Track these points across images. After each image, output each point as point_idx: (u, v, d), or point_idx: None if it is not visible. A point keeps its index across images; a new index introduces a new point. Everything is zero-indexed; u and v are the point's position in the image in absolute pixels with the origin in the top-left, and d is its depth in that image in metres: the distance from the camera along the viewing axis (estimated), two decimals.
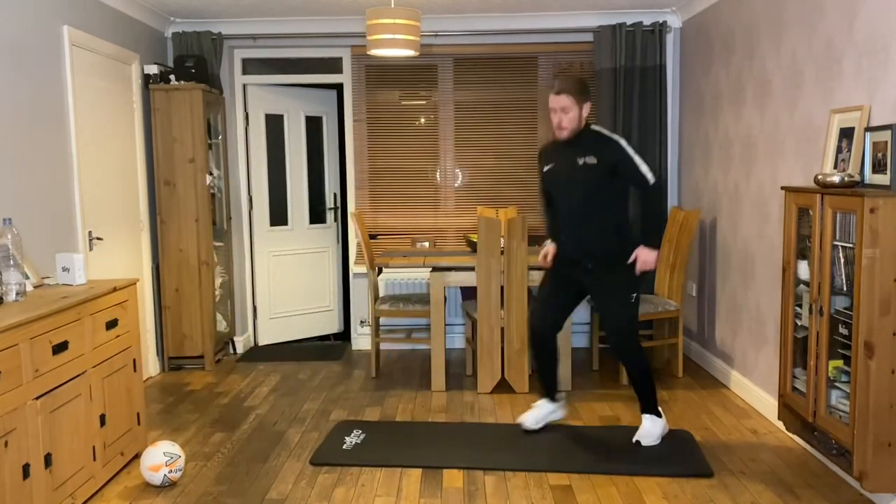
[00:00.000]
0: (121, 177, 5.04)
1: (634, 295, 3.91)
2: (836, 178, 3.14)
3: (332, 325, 6.70)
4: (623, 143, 3.83)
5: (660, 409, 4.02)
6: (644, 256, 3.82)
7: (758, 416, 4.31)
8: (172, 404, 4.73)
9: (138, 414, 3.81)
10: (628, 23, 5.69)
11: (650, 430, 3.95)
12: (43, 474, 2.92)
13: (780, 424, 3.97)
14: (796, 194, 3.44)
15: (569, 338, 4.81)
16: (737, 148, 4.74)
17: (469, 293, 5.33)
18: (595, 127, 3.94)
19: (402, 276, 6.09)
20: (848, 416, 3.06)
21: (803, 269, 3.44)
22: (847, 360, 3.09)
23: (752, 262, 4.52)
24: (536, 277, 4.80)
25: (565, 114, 3.79)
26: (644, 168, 3.79)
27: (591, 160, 3.80)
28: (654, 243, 3.87)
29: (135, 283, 3.78)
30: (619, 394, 4.78)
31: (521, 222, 4.68)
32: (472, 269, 4.83)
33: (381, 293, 6.02)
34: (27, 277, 3.38)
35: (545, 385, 4.21)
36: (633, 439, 3.95)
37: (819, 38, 3.70)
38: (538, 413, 4.17)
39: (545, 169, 4.02)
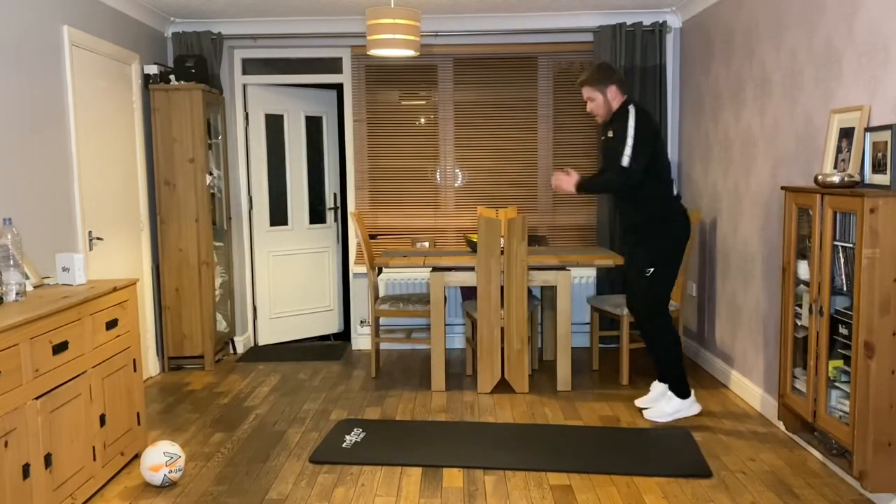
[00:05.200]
0: (121, 177, 5.04)
1: (651, 269, 4.09)
2: (836, 178, 3.14)
3: (332, 325, 6.70)
4: (631, 119, 3.98)
5: (689, 390, 4.23)
6: (562, 178, 4.21)
7: (758, 416, 4.31)
8: (172, 404, 4.73)
9: (138, 414, 3.81)
10: (628, 23, 5.70)
11: (662, 406, 4.18)
12: (43, 474, 2.92)
13: (780, 424, 3.97)
14: (796, 194, 3.44)
15: (569, 338, 4.81)
16: (737, 148, 4.74)
17: (469, 293, 5.33)
18: (631, 105, 4.10)
19: (402, 276, 6.09)
20: (848, 416, 3.06)
21: (803, 269, 3.44)
22: (847, 360, 3.10)
23: (752, 262, 4.52)
24: (536, 277, 4.81)
25: (592, 102, 4.22)
26: (627, 152, 3.97)
27: (610, 134, 4.15)
28: (583, 185, 4.21)
29: (135, 283, 3.78)
30: (619, 394, 4.78)
31: (521, 222, 4.67)
32: (472, 269, 4.83)
33: (381, 293, 6.02)
34: (27, 277, 3.38)
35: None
36: (637, 403, 4.31)
37: (819, 38, 3.70)
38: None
39: None
